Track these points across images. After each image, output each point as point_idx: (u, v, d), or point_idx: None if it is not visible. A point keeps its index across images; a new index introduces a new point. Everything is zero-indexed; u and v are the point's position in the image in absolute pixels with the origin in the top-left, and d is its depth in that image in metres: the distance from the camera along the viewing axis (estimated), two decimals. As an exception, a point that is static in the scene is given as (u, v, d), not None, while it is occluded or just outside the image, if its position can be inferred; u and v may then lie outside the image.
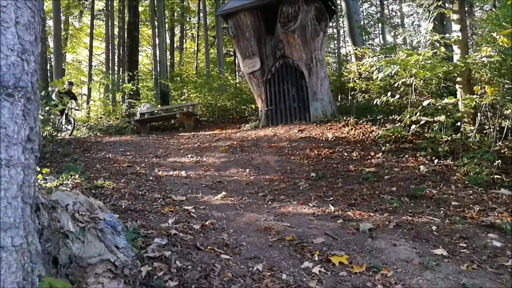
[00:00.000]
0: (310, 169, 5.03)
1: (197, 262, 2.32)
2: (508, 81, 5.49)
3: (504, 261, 2.38)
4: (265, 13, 8.44)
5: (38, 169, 3.90)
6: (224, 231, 2.89)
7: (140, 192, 3.90)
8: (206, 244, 2.61)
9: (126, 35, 16.44)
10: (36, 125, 1.32)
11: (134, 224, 2.81)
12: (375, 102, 6.33)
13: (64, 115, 10.64)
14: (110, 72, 18.74)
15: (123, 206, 3.34)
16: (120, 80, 16.77)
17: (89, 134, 10.74)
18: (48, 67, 15.92)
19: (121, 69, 19.01)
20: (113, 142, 7.36)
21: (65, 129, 10.65)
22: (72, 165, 4.84)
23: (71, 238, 1.61)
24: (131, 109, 12.68)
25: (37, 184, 1.46)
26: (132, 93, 13.49)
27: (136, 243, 2.46)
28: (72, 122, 10.68)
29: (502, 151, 4.90)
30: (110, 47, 19.31)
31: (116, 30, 20.27)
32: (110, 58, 19.48)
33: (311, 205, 3.70)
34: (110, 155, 6.02)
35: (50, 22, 15.41)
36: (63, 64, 17.18)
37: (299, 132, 6.84)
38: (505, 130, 5.06)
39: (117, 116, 13.16)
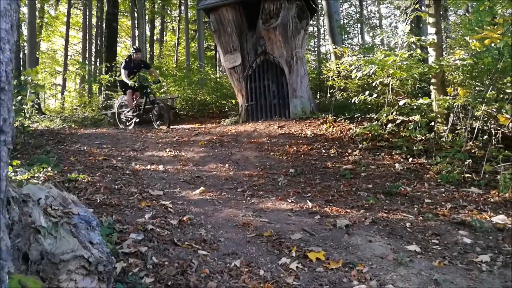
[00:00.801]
0: (289, 165, 5.06)
1: (174, 258, 2.31)
2: (479, 84, 5.67)
3: (474, 257, 2.46)
4: (247, 9, 8.40)
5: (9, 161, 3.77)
6: (202, 227, 2.88)
7: (116, 186, 3.83)
8: (184, 239, 2.59)
9: (104, 25, 16.05)
10: (10, 116, 1.27)
11: (110, 219, 2.76)
12: (353, 100, 6.41)
13: (147, 98, 8.28)
14: (87, 62, 18.29)
15: (98, 201, 3.27)
16: (97, 71, 16.40)
17: (63, 125, 10.43)
18: (21, 56, 15.40)
19: (98, 59, 18.60)
20: (89, 134, 7.20)
21: (156, 115, 8.30)
22: (44, 157, 4.70)
23: (43, 233, 1.56)
24: (108, 101, 12.41)
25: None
26: (109, 84, 13.17)
27: (111, 239, 2.42)
28: (163, 104, 8.24)
29: (473, 151, 5.05)
30: (87, 37, 18.86)
31: (94, 20, 19.79)
32: (87, 48, 19.03)
33: (290, 201, 3.72)
34: (85, 148, 5.88)
35: (24, 9, 14.84)
36: (37, 53, 16.63)
37: (279, 128, 6.87)
38: (475, 131, 5.22)
39: (93, 108, 12.86)
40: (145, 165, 4.96)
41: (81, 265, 1.61)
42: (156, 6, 20.79)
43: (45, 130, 7.83)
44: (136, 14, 15.89)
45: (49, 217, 1.64)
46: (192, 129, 7.70)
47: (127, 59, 8.63)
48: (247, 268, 2.25)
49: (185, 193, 3.90)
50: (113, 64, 13.87)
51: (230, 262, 2.32)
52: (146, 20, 19.28)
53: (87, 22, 18.74)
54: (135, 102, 8.59)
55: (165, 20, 23.77)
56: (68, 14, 19.57)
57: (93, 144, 6.23)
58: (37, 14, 15.96)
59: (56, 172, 4.08)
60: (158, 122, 8.40)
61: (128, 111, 8.81)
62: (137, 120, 8.64)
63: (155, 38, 22.50)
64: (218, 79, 13.69)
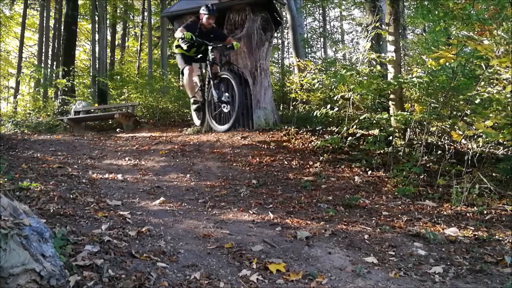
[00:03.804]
0: (251, 176, 5.06)
1: (132, 270, 2.23)
2: (434, 101, 5.98)
3: (428, 269, 2.55)
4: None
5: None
6: (161, 238, 2.80)
7: (71, 196, 3.66)
8: (142, 251, 2.51)
9: (62, 28, 15.48)
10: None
11: (63, 230, 2.62)
12: (315, 113, 6.54)
13: (210, 70, 5.40)
14: (43, 65, 17.55)
15: (52, 210, 3.11)
16: (54, 75, 15.75)
17: (15, 130, 9.90)
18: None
19: (55, 63, 17.89)
20: (43, 140, 6.87)
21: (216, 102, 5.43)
22: (-7, 164, 4.43)
23: (-10, 246, 1.46)
24: (65, 107, 11.93)
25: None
26: (66, 89, 12.69)
27: (65, 251, 2.30)
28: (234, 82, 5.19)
29: (428, 165, 5.30)
30: (44, 39, 18.10)
31: (52, 22, 19.07)
32: (44, 51, 18.26)
33: (251, 212, 3.71)
34: (38, 155, 5.60)
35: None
36: (-11, 53, 15.77)
37: (242, 139, 6.87)
38: (430, 146, 5.48)
39: (48, 113, 12.32)
40: (103, 174, 4.79)
41: (32, 279, 1.52)
42: (118, 11, 20.35)
43: (-6, 134, 7.39)
44: (97, 18, 15.43)
45: (-4, 228, 1.54)
46: (153, 137, 7.55)
47: (191, 21, 5.72)
48: (207, 281, 2.21)
49: (144, 203, 3.79)
50: (71, 68, 13.40)
51: (190, 274, 2.27)
52: (108, 25, 18.81)
53: (44, 24, 17.99)
54: (198, 86, 5.63)
55: (127, 25, 23.30)
56: (24, 14, 18.74)
57: (47, 151, 5.94)
58: (-10, 12, 15.20)
59: (6, 179, 3.85)
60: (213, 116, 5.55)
61: (193, 103, 5.81)
62: (199, 115, 5.80)
63: (116, 43, 21.99)
64: (181, 87, 13.55)
